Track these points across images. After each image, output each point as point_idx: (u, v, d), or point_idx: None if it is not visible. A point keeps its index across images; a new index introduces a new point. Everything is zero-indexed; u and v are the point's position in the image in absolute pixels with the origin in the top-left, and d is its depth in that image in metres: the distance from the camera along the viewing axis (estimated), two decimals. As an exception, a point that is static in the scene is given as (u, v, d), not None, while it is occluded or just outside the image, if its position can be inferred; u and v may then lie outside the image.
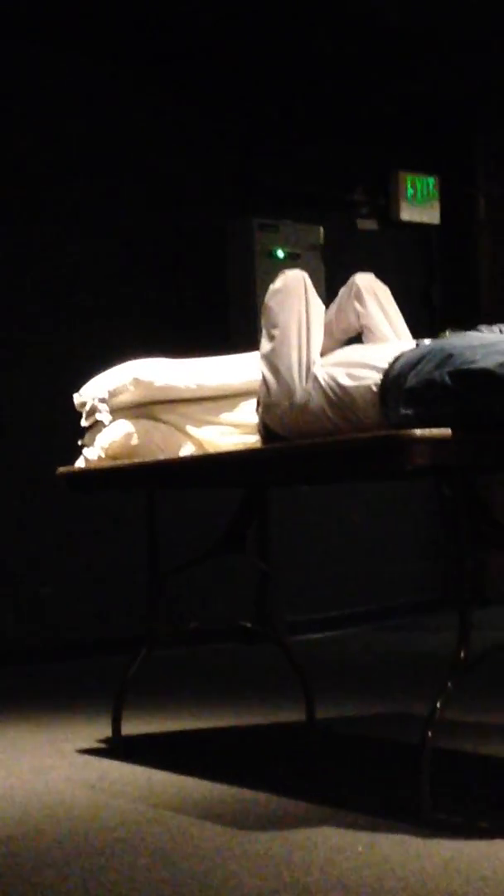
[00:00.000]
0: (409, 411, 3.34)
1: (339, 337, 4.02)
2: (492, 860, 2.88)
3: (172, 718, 4.98)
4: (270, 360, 3.74)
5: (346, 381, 3.53)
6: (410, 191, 8.63)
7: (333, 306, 4.06)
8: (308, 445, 3.57)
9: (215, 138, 7.88)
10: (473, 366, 3.23)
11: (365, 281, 4.05)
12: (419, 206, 8.67)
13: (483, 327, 3.52)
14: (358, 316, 4.02)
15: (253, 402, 4.00)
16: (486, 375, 3.19)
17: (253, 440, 3.96)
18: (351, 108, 8.35)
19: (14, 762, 4.28)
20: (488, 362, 3.20)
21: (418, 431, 3.20)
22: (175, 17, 7.49)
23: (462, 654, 3.32)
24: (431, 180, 8.71)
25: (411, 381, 3.36)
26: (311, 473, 3.89)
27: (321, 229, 8.00)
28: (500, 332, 3.49)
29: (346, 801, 3.51)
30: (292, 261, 7.58)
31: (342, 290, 4.08)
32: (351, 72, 8.14)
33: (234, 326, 7.62)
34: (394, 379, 3.42)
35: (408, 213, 8.62)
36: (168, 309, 7.54)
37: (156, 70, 7.63)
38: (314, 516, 7.88)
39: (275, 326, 3.77)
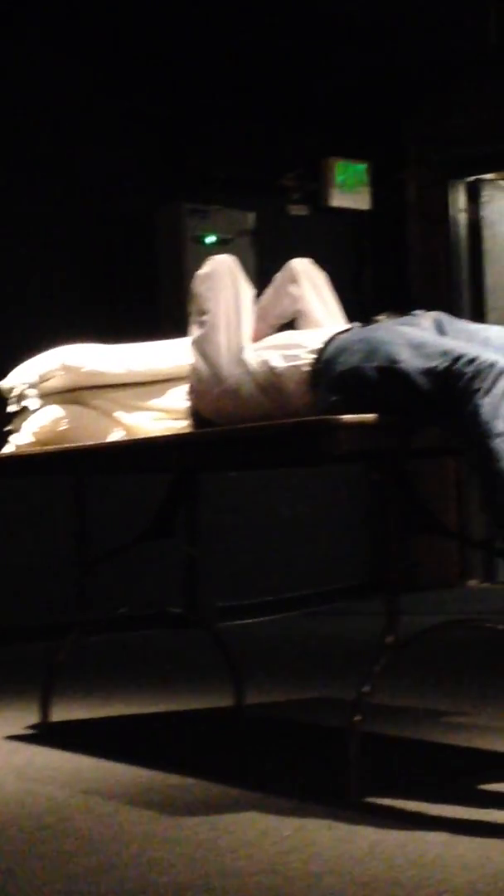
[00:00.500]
0: (336, 397, 3.35)
1: (274, 322, 4.03)
2: (417, 843, 2.90)
3: (101, 705, 4.97)
4: (200, 346, 3.74)
5: (279, 363, 3.53)
6: (341, 177, 8.64)
7: (269, 291, 4.07)
8: (235, 431, 3.57)
9: (145, 122, 7.86)
10: (397, 366, 3.25)
11: (301, 266, 4.06)
12: (349, 192, 8.69)
13: (419, 313, 3.53)
14: (293, 300, 4.03)
15: (183, 387, 3.99)
16: (406, 379, 3.22)
17: (182, 426, 3.96)
18: (282, 93, 8.35)
19: None
20: (410, 366, 3.22)
21: (345, 417, 3.21)
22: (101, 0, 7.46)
23: (389, 639, 3.34)
24: (362, 166, 8.73)
25: (339, 367, 3.37)
26: (238, 459, 3.90)
27: (252, 215, 8.00)
28: (438, 323, 3.48)
29: (274, 785, 3.52)
30: (223, 246, 7.58)
31: (278, 275, 4.08)
32: (282, 57, 8.14)
33: (165, 312, 7.60)
34: (325, 362, 3.43)
35: (338, 199, 8.64)
36: (98, 295, 7.51)
37: (86, 53, 7.59)
38: (243, 501, 7.89)
39: (203, 312, 3.77)
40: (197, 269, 3.92)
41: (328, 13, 7.75)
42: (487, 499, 3.12)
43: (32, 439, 4.18)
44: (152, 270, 7.74)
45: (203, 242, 7.70)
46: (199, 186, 7.95)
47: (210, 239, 7.74)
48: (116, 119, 7.74)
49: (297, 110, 8.46)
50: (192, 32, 7.74)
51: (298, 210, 8.54)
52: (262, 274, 7.82)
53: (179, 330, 4.32)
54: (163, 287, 7.72)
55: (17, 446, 4.23)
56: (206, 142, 8.05)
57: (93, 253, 7.59)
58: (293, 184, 8.51)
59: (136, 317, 7.22)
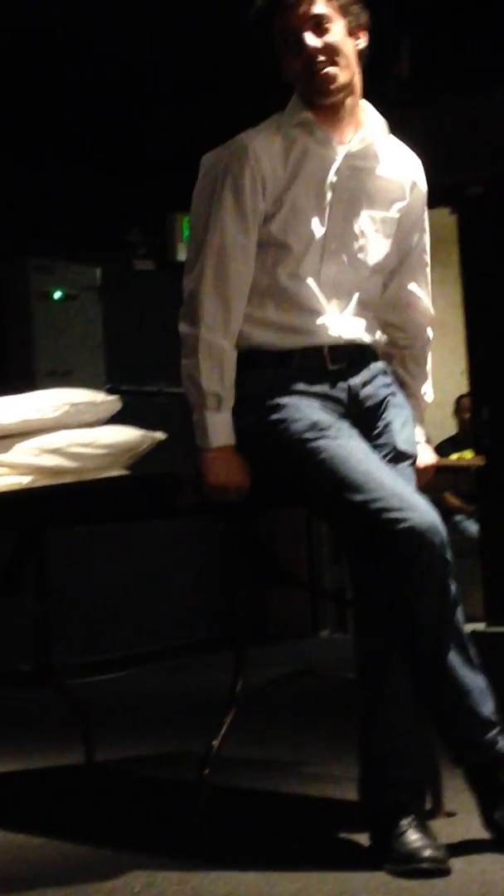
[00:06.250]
0: None
1: None
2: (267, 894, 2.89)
3: None
4: None
5: None
6: (187, 231, 8.66)
7: None
8: (78, 485, 3.56)
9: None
10: None
11: None
12: (195, 247, 8.67)
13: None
14: None
15: (28, 442, 3.97)
16: None
17: (27, 481, 3.93)
18: (127, 148, 8.37)
19: None
20: None
21: (187, 471, 3.22)
22: None
23: (237, 691, 3.34)
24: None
25: None
26: (83, 513, 3.87)
27: (98, 270, 7.98)
28: None
29: (126, 841, 3.49)
30: (70, 301, 7.55)
31: None
32: (125, 113, 8.17)
33: (12, 367, 7.54)
34: None
35: (184, 254, 8.64)
36: None
37: None
38: (92, 556, 7.81)
39: None
40: (43, 324, 3.88)
41: (164, 74, 7.79)
42: None
43: None
44: (-1, 326, 7.65)
45: (51, 298, 7.65)
46: (45, 242, 7.90)
47: (57, 294, 7.69)
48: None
49: (142, 165, 8.48)
50: (33, 87, 7.73)
51: (144, 265, 8.54)
52: (108, 328, 7.84)
53: (26, 385, 4.29)
54: (9, 342, 7.65)
55: None
56: (50, 197, 8.03)
57: None
58: (139, 238, 8.52)
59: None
